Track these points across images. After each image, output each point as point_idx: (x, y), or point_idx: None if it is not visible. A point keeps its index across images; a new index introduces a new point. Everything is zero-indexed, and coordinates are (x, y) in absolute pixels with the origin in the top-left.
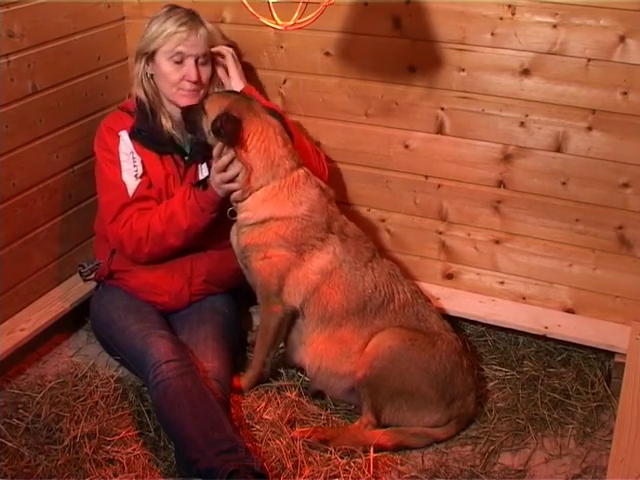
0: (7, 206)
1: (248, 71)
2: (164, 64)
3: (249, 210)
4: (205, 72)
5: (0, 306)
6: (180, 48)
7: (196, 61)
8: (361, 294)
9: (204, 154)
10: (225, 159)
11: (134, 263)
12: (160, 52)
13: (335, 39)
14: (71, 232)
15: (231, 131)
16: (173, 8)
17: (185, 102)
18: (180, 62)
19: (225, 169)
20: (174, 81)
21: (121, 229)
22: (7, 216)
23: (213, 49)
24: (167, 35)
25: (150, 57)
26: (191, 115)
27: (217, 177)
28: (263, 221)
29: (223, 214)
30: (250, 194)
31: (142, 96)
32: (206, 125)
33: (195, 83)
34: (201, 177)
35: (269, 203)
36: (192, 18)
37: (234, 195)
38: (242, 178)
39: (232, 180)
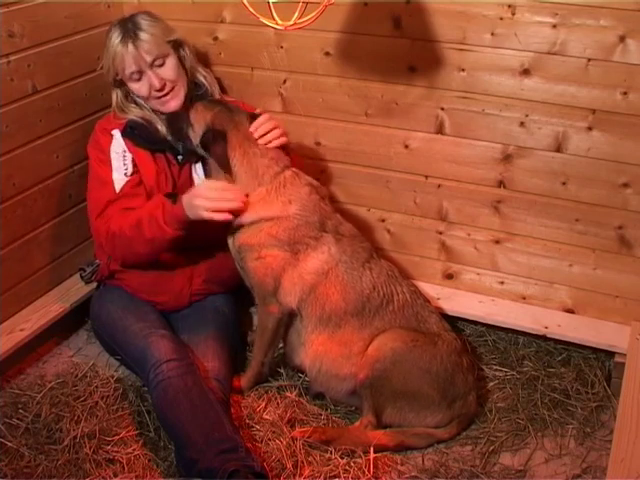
0: (7, 206)
1: (248, 71)
2: (130, 85)
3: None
4: (167, 71)
5: (0, 306)
6: (130, 69)
7: (152, 66)
8: (359, 294)
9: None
10: (226, 192)
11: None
12: (121, 77)
13: (335, 39)
14: (71, 232)
15: (220, 155)
16: (113, 25)
17: (168, 107)
18: (139, 78)
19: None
20: (146, 95)
21: (102, 226)
22: (7, 216)
23: None
24: (113, 62)
25: (120, 82)
26: (177, 123)
27: (209, 205)
28: (252, 222)
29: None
30: None
31: (135, 113)
32: (193, 137)
33: (162, 89)
34: (195, 177)
35: (257, 206)
36: (127, 30)
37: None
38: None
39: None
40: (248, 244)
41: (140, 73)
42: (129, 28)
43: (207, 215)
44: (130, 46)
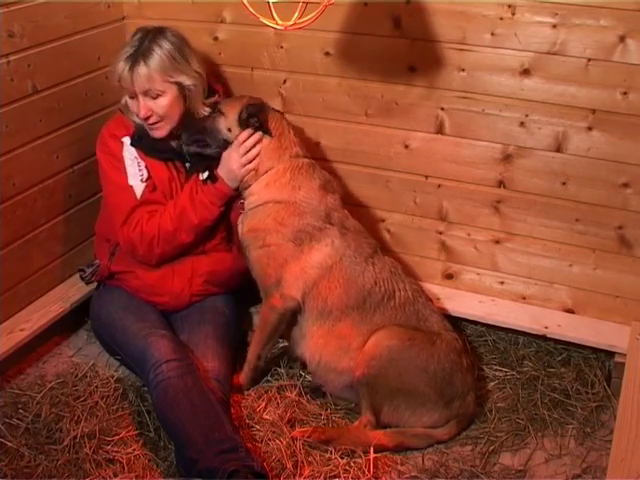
0: (7, 206)
1: (248, 71)
2: (127, 98)
3: (254, 194)
4: (158, 107)
5: (0, 306)
6: (125, 85)
7: (145, 95)
8: (360, 289)
9: (205, 163)
10: (252, 140)
11: (138, 264)
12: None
13: (335, 39)
14: (71, 232)
15: (264, 119)
16: (138, 30)
17: (152, 133)
18: (133, 97)
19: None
20: (135, 112)
21: (132, 232)
22: (7, 216)
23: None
24: (117, 74)
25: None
26: (200, 125)
27: (243, 159)
28: (264, 203)
29: (227, 213)
30: (256, 179)
31: (137, 120)
32: (224, 123)
33: (146, 119)
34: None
35: (272, 187)
36: (139, 49)
37: (248, 177)
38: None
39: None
40: (254, 229)
41: (133, 94)
42: (142, 48)
43: (246, 169)
44: (127, 69)
